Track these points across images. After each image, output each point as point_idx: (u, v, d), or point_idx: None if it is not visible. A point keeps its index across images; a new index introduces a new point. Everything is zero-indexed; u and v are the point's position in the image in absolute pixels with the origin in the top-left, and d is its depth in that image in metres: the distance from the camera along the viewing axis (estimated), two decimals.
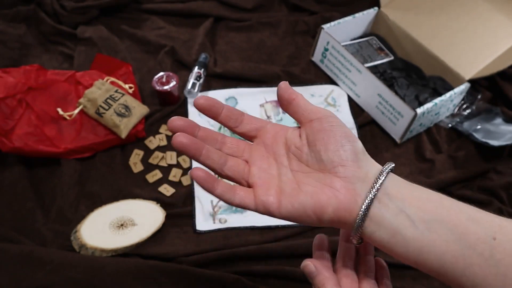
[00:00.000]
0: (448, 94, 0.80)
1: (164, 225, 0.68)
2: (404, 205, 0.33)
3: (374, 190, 0.32)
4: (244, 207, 0.35)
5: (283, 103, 0.37)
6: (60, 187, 0.72)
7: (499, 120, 0.84)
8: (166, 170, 0.76)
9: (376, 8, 0.96)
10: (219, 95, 0.87)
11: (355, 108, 0.88)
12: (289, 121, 0.85)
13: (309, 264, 0.38)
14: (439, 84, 0.88)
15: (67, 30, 0.97)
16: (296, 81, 0.92)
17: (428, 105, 0.77)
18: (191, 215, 0.71)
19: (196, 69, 0.88)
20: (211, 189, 0.34)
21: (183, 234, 0.69)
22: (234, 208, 0.72)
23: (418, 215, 0.32)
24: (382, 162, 0.32)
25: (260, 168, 0.36)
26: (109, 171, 0.75)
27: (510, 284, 0.31)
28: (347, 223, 0.33)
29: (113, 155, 0.77)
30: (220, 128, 0.81)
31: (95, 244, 0.64)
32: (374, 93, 0.83)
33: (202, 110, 0.36)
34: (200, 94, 0.87)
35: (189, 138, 0.34)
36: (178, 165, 0.77)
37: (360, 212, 0.32)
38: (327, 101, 0.89)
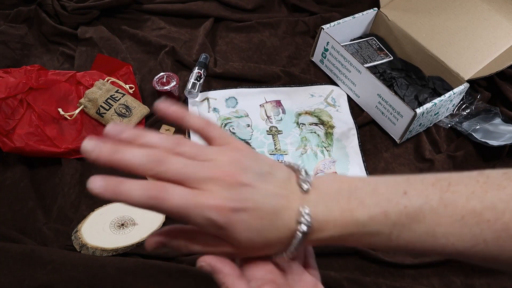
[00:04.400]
0: (447, 94, 0.80)
1: (164, 224, 0.68)
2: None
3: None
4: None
5: None
6: (61, 187, 0.72)
7: (498, 120, 0.85)
8: None
9: (375, 8, 0.97)
10: (219, 95, 0.88)
11: (355, 108, 0.89)
12: (289, 121, 0.85)
13: (203, 265, 0.33)
14: (438, 84, 0.89)
15: (68, 31, 0.97)
16: (296, 81, 0.92)
17: (427, 105, 0.77)
18: None
19: (196, 69, 0.88)
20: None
21: None
22: None
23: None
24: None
25: None
26: (110, 170, 0.75)
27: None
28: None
29: None
30: (221, 127, 0.81)
31: (95, 244, 0.64)
32: (373, 93, 0.83)
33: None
34: (200, 94, 0.87)
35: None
36: None
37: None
38: (326, 101, 0.89)
